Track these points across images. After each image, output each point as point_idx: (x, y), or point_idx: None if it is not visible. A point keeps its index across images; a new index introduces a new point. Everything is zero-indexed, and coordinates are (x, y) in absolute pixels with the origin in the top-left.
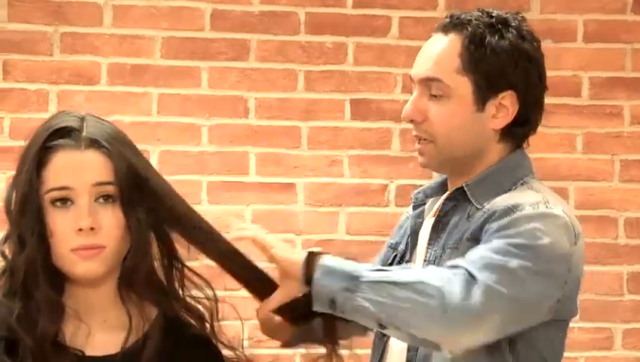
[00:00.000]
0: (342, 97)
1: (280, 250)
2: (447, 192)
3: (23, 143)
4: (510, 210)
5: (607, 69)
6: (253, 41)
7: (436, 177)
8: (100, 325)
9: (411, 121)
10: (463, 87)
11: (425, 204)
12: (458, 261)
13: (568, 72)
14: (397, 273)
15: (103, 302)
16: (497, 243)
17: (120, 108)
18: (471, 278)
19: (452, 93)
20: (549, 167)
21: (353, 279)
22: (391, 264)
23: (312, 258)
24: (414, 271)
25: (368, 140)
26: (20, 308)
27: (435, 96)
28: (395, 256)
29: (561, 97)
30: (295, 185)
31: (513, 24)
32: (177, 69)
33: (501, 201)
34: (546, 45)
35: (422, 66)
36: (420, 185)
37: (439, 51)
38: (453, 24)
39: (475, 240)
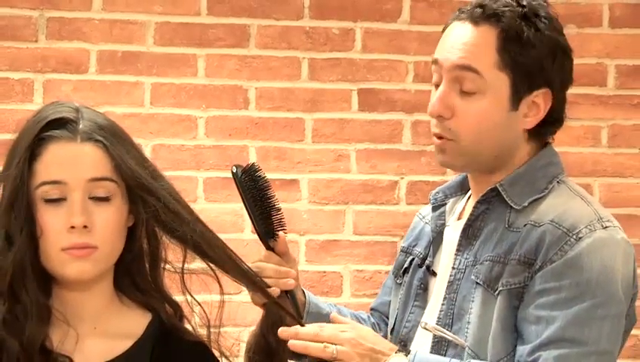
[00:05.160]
0: (349, 87)
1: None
2: (480, 194)
3: (4, 136)
4: (565, 235)
5: (635, 56)
6: (254, 27)
7: (450, 173)
8: (90, 331)
9: (438, 117)
10: (501, 84)
11: (445, 204)
12: (538, 356)
13: (593, 59)
14: None
15: (93, 307)
16: (568, 312)
17: (110, 99)
18: None
19: (488, 89)
20: (571, 162)
21: None
22: (407, 269)
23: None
24: None
25: (377, 133)
26: (5, 311)
27: (466, 92)
28: (412, 260)
29: (585, 87)
30: (298, 182)
31: (543, 13)
32: (172, 56)
33: (548, 211)
34: (569, 31)
35: (454, 53)
36: (433, 182)
37: (473, 42)
38: (486, 15)
39: (528, 264)
